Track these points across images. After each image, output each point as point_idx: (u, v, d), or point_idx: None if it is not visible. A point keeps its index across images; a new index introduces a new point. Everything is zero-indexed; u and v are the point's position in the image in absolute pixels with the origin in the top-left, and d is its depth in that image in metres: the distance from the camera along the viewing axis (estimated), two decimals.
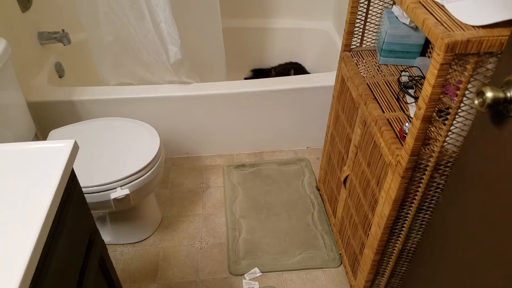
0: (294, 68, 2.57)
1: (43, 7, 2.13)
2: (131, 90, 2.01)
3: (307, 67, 2.70)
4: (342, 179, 1.54)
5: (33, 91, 1.96)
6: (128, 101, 1.99)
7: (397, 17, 1.36)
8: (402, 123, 1.17)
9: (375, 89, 1.33)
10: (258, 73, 2.77)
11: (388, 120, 1.20)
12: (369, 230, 1.32)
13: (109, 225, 1.76)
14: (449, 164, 1.04)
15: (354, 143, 1.41)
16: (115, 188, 1.46)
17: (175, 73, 1.96)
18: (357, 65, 1.46)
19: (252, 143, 2.30)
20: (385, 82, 1.36)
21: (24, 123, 1.64)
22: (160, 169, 1.60)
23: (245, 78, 2.74)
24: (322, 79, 2.08)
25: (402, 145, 1.10)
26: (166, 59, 1.88)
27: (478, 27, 0.84)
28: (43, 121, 1.99)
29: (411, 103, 1.23)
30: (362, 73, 1.42)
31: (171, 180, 2.12)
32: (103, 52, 1.93)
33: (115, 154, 1.55)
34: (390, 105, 1.25)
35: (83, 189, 1.04)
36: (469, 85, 0.89)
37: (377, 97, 1.29)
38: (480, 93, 0.81)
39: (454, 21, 0.87)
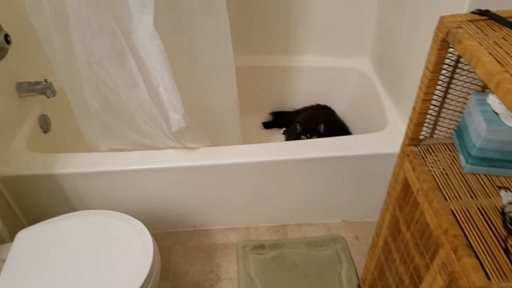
0: (325, 116, 2.14)
1: (22, 54, 1.73)
2: (125, 160, 1.60)
3: (337, 110, 2.26)
4: None
5: (8, 160, 1.58)
6: (122, 173, 1.59)
7: (496, 113, 0.92)
8: None
9: (464, 223, 0.90)
10: (279, 116, 2.35)
11: None
12: None
13: None
14: None
15: None
16: None
17: (177, 141, 1.54)
18: (426, 165, 1.03)
19: (274, 215, 1.88)
20: (479, 209, 0.93)
21: None
22: None
23: (263, 123, 2.32)
24: (364, 145, 1.65)
25: None
26: (167, 127, 1.47)
27: None
28: (21, 201, 1.62)
29: None
30: (439, 182, 0.99)
31: (173, 267, 1.71)
32: (89, 119, 1.52)
33: (86, 279, 1.14)
34: (495, 261, 0.82)
35: None
36: None
37: (471, 240, 0.86)
38: None
39: None
